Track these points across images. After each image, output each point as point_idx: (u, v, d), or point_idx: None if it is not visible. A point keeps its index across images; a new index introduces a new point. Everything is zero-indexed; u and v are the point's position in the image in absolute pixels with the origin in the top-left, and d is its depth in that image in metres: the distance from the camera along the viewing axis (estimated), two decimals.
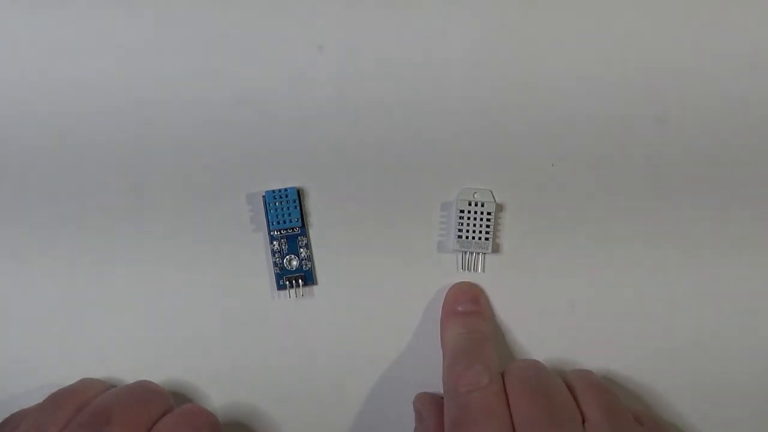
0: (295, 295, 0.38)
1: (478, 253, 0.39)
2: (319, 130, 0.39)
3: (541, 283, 0.39)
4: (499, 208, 0.39)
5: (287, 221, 0.38)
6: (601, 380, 0.37)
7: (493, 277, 0.39)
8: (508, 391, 0.34)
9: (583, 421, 0.34)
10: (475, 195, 0.39)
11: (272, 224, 0.38)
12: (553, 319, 0.39)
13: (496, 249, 0.39)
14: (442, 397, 0.36)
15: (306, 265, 0.38)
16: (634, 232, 0.39)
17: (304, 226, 0.38)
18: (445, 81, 0.39)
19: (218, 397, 0.39)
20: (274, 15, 0.39)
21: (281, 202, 0.38)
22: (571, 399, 0.35)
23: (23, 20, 0.38)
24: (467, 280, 0.39)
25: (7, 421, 0.35)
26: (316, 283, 0.39)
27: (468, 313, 0.38)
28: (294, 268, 0.38)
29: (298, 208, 0.38)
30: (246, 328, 0.39)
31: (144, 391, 0.35)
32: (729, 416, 0.39)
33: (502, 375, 0.35)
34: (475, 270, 0.39)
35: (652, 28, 0.39)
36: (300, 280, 0.38)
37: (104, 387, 0.37)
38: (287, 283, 0.38)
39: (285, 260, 0.38)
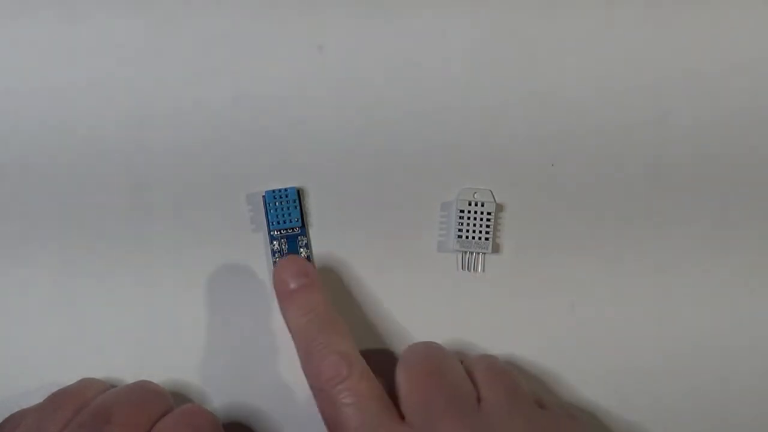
0: None
1: (478, 253, 0.39)
2: (319, 130, 0.39)
3: (541, 283, 0.39)
4: (499, 208, 0.39)
5: (287, 221, 0.38)
6: (502, 364, 0.36)
7: (493, 277, 0.39)
8: (398, 374, 0.34)
9: (479, 402, 0.33)
10: (475, 195, 0.39)
11: (272, 224, 0.38)
12: (553, 319, 0.39)
13: (496, 249, 0.39)
14: None
15: None
16: (634, 232, 0.39)
17: (304, 226, 0.38)
18: (445, 81, 0.39)
19: (218, 397, 0.39)
20: (274, 15, 0.39)
21: (281, 202, 0.38)
22: (467, 380, 0.34)
23: (23, 20, 0.38)
24: (466, 283, 0.39)
25: (7, 420, 0.35)
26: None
27: (301, 288, 0.36)
28: None
29: (298, 208, 0.38)
30: (246, 327, 0.39)
31: (144, 391, 0.35)
32: (729, 416, 0.39)
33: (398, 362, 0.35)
34: (475, 270, 0.39)
35: (652, 28, 0.39)
36: None
37: (104, 387, 0.37)
38: None
39: None
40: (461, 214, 0.38)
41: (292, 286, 0.36)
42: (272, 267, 0.38)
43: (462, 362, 0.36)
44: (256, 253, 0.39)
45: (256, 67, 0.39)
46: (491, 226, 0.38)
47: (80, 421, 0.33)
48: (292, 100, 0.39)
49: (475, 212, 0.38)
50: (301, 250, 0.38)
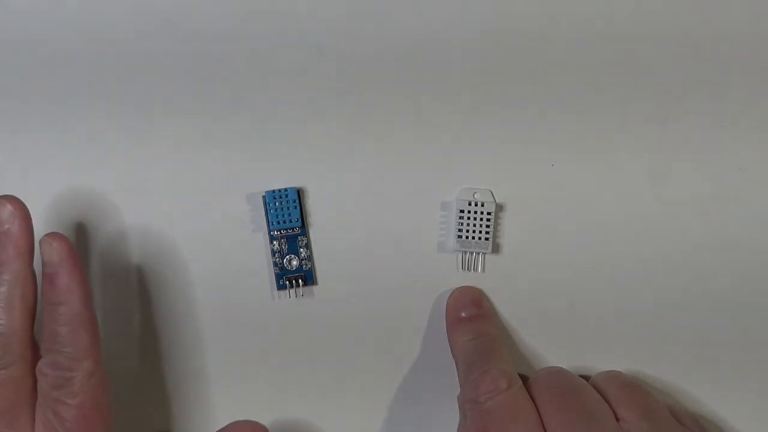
0: (295, 295, 0.38)
1: (478, 253, 0.39)
2: (319, 130, 0.39)
3: (541, 283, 0.39)
4: (499, 208, 0.39)
5: (287, 221, 0.38)
6: (631, 379, 0.36)
7: (493, 277, 0.39)
8: (535, 399, 0.34)
9: (618, 421, 0.33)
10: (475, 195, 0.39)
11: (272, 224, 0.38)
12: (553, 319, 0.39)
13: (496, 249, 0.39)
14: None
15: (306, 265, 0.38)
16: (633, 233, 0.39)
17: (304, 226, 0.38)
18: (445, 81, 0.39)
19: (218, 396, 0.39)
20: (274, 15, 0.39)
21: (281, 202, 0.38)
22: (602, 400, 0.34)
23: (22, 23, 0.38)
24: (466, 284, 0.39)
25: None
26: (316, 283, 0.39)
27: (472, 317, 0.37)
28: (294, 268, 0.38)
29: (298, 208, 0.38)
30: (246, 328, 0.39)
31: None
32: (729, 415, 0.39)
33: (527, 384, 0.35)
34: (475, 270, 0.39)
35: (652, 28, 0.39)
36: (300, 280, 0.38)
37: None
38: (287, 283, 0.38)
39: (285, 260, 0.38)
40: (461, 214, 0.38)
41: (464, 314, 0.37)
42: (272, 268, 0.38)
43: (589, 382, 0.36)
44: (256, 253, 0.39)
45: (256, 67, 0.39)
46: (491, 226, 0.38)
47: None
48: (291, 100, 0.39)
49: (475, 212, 0.38)
50: (301, 250, 0.38)
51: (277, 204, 0.38)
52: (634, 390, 0.35)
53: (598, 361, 0.39)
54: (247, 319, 0.38)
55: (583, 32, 0.39)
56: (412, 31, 0.39)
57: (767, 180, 0.39)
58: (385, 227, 0.39)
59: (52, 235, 0.32)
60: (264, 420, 0.37)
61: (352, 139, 0.39)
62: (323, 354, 0.39)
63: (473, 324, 0.37)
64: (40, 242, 0.32)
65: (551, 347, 0.39)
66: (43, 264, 0.32)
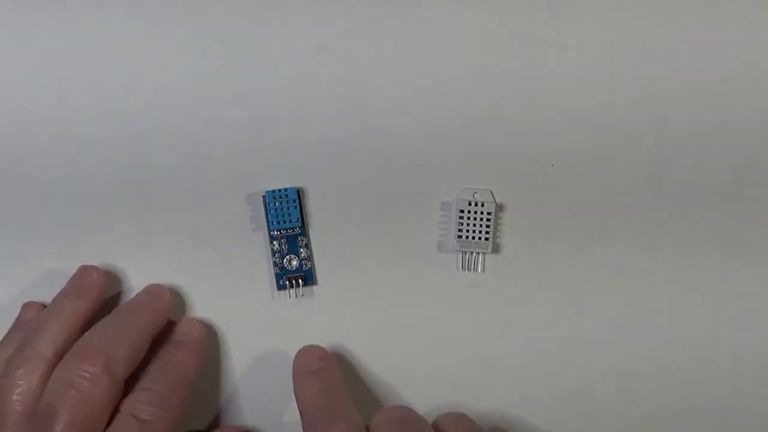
0: (295, 295, 0.38)
1: (478, 253, 0.39)
2: (319, 130, 0.39)
3: (541, 283, 0.39)
4: (499, 208, 0.39)
5: (287, 221, 0.38)
6: (473, 423, 0.36)
7: (493, 277, 0.39)
8: None
9: None
10: (475, 195, 0.39)
11: (272, 224, 0.38)
12: (553, 319, 0.39)
13: (496, 249, 0.39)
14: None
15: (306, 265, 0.38)
16: (634, 233, 0.39)
17: (304, 226, 0.38)
18: (445, 81, 0.39)
19: (218, 396, 0.39)
20: (274, 15, 0.39)
21: (281, 202, 0.38)
22: None
23: (23, 20, 0.38)
24: (466, 284, 0.39)
25: None
26: (316, 283, 0.39)
27: (320, 370, 0.37)
28: (294, 268, 0.38)
29: (298, 208, 0.38)
30: (246, 328, 0.39)
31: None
32: (727, 416, 0.39)
33: (368, 428, 0.34)
34: (475, 270, 0.39)
35: (652, 28, 0.39)
36: (300, 280, 0.38)
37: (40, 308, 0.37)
38: (287, 283, 0.38)
39: (285, 260, 0.38)
40: (461, 214, 0.38)
41: (312, 368, 0.37)
42: (272, 268, 0.38)
43: (433, 423, 0.35)
44: (256, 253, 0.39)
45: (256, 67, 0.39)
46: (491, 226, 0.38)
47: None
48: (292, 100, 0.39)
49: (475, 212, 0.38)
50: (301, 250, 0.38)
51: (277, 204, 0.38)
52: (468, 425, 0.35)
53: (599, 361, 0.39)
54: (247, 319, 0.38)
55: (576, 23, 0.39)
56: (412, 30, 0.39)
57: None
58: (385, 227, 0.39)
59: (193, 322, 0.38)
60: (265, 420, 0.37)
61: (352, 138, 0.39)
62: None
63: (321, 375, 0.36)
64: (182, 320, 0.38)
65: (551, 347, 0.39)
66: (175, 332, 0.37)
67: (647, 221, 0.39)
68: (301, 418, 0.35)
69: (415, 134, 0.39)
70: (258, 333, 0.39)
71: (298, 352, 0.38)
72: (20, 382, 0.32)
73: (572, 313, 0.39)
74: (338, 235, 0.39)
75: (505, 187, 0.39)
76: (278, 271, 0.38)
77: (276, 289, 0.38)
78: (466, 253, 0.39)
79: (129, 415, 0.33)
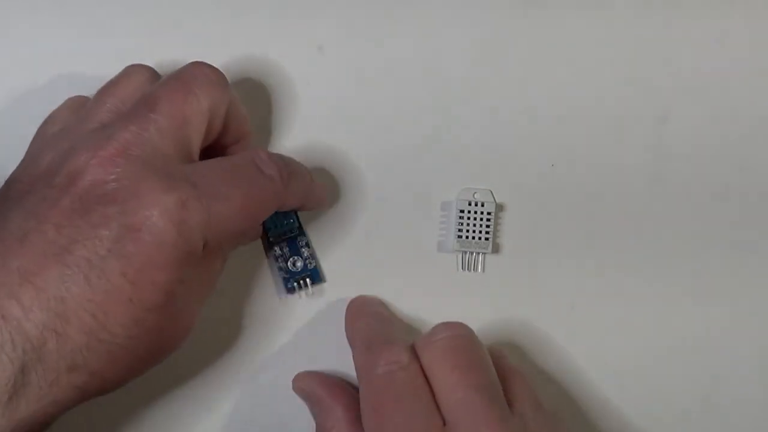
0: (306, 295, 0.38)
1: (478, 253, 0.39)
2: (318, 130, 0.39)
3: (541, 283, 0.39)
4: (499, 208, 0.39)
5: (284, 225, 0.37)
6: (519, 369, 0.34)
7: (493, 277, 0.39)
8: (430, 365, 0.31)
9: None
10: (475, 195, 0.39)
11: (270, 230, 0.37)
12: (553, 319, 0.39)
13: (496, 249, 0.39)
14: (334, 379, 0.35)
15: (310, 263, 0.38)
16: (634, 233, 0.39)
17: (301, 227, 0.38)
18: (445, 81, 0.39)
19: (218, 396, 0.38)
20: (274, 15, 0.39)
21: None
22: (498, 381, 0.32)
23: (22, 20, 0.38)
24: (466, 283, 0.38)
25: (49, 118, 0.35)
26: (325, 281, 0.38)
27: (375, 312, 0.36)
28: (299, 269, 0.38)
29: (293, 211, 0.37)
30: (247, 329, 0.38)
31: (193, 76, 0.33)
32: (727, 416, 0.39)
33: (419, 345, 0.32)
34: (475, 270, 0.39)
35: (652, 28, 0.39)
36: (308, 280, 0.38)
37: (150, 75, 0.35)
38: (296, 285, 0.37)
39: (289, 263, 0.37)
40: (461, 214, 0.38)
41: (367, 309, 0.36)
42: (274, 271, 0.38)
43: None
44: (257, 254, 0.38)
45: (256, 67, 0.39)
46: (491, 226, 0.38)
47: (124, 111, 0.32)
48: (291, 99, 0.39)
49: (475, 212, 0.38)
50: (303, 249, 0.38)
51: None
52: (527, 383, 0.33)
53: (598, 361, 0.39)
54: (248, 321, 0.38)
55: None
56: (412, 30, 0.39)
57: None
58: (385, 227, 0.39)
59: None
60: (268, 420, 0.37)
61: (351, 138, 0.39)
62: (323, 355, 0.38)
63: (376, 310, 0.36)
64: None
65: (551, 347, 0.39)
66: None
67: (647, 221, 0.39)
68: (353, 348, 0.34)
69: (415, 134, 0.39)
70: (259, 335, 0.38)
71: (350, 302, 0.37)
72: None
73: (572, 313, 0.39)
74: (338, 235, 0.39)
75: (505, 187, 0.39)
76: (285, 275, 0.37)
77: (285, 293, 0.38)
78: (466, 253, 0.39)
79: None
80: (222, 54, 0.38)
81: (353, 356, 0.34)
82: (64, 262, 0.28)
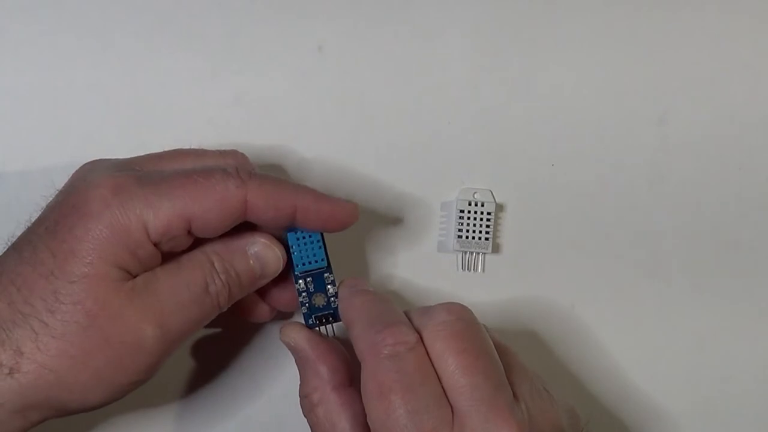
0: (326, 332, 0.36)
1: (478, 253, 0.39)
2: (318, 130, 0.39)
3: (541, 283, 0.39)
4: (499, 208, 0.39)
5: (312, 261, 0.35)
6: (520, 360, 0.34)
7: (493, 277, 0.39)
8: (435, 347, 0.30)
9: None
10: (475, 195, 0.39)
11: (297, 266, 0.35)
12: (553, 319, 0.39)
13: (496, 249, 0.39)
14: (322, 336, 0.34)
15: (334, 302, 0.36)
16: (634, 233, 0.39)
17: (329, 263, 0.35)
18: (445, 81, 0.39)
19: (222, 403, 0.38)
20: (274, 15, 0.39)
21: (305, 243, 0.35)
22: (501, 365, 0.31)
23: (22, 23, 0.38)
24: (466, 283, 0.38)
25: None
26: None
27: (370, 291, 0.34)
28: (322, 306, 0.36)
29: (322, 248, 0.35)
30: (248, 332, 0.38)
31: None
32: (727, 416, 0.39)
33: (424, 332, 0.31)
34: (475, 270, 0.39)
35: (652, 28, 0.39)
36: (330, 317, 0.36)
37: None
38: (317, 321, 0.36)
39: (312, 298, 0.36)
40: (461, 214, 0.38)
41: (358, 288, 0.35)
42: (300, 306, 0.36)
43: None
44: None
45: (256, 67, 0.38)
46: (491, 226, 0.38)
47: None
48: (291, 100, 0.39)
49: (475, 212, 0.38)
50: (329, 286, 0.36)
51: (300, 243, 0.35)
52: (527, 370, 0.33)
53: (598, 362, 0.39)
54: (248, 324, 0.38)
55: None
56: (412, 30, 0.39)
57: None
58: (385, 227, 0.39)
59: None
60: (264, 420, 0.37)
61: (351, 138, 0.39)
62: None
63: (372, 289, 0.35)
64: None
65: (551, 347, 0.39)
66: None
67: (647, 221, 0.39)
68: (350, 327, 0.33)
69: (415, 134, 0.39)
70: (259, 335, 0.38)
71: (342, 281, 0.35)
72: None
73: (572, 313, 0.39)
74: (338, 235, 0.38)
75: (505, 187, 0.39)
76: (306, 310, 0.36)
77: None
78: (466, 253, 0.39)
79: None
80: (222, 53, 0.38)
81: (352, 335, 0.32)
82: (14, 246, 0.31)
